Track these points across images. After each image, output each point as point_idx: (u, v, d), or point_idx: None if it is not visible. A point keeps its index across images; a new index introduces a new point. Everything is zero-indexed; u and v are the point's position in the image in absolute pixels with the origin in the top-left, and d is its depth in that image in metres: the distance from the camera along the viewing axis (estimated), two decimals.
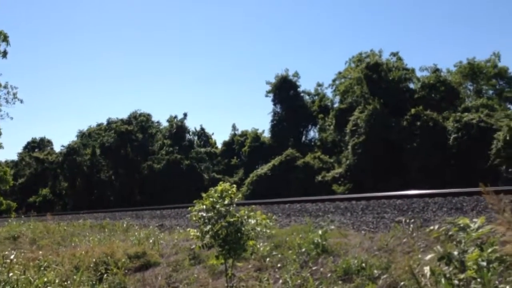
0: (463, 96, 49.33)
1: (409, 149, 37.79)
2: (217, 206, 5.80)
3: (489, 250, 3.29)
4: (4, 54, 25.59)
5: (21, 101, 34.23)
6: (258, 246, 7.22)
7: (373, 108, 41.25)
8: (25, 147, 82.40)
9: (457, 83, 49.30)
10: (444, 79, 46.74)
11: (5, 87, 32.27)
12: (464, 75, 52.31)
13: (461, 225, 3.53)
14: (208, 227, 5.75)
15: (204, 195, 5.96)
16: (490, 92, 53.54)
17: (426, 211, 10.06)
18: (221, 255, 5.78)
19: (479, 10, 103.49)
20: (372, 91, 43.57)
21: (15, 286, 6.47)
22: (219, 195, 5.90)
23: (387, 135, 39.55)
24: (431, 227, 3.84)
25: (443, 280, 3.43)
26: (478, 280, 3.23)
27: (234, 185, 6.19)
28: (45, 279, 6.61)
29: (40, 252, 10.07)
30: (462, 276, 3.31)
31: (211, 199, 5.88)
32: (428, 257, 3.74)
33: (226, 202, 5.84)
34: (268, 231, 6.02)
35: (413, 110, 39.16)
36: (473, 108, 40.55)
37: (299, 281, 5.93)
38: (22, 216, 24.43)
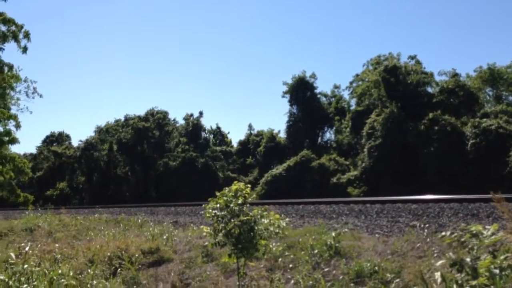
0: (482, 102, 48.75)
1: (425, 153, 37.48)
2: (231, 205, 5.82)
3: (502, 257, 3.27)
4: (25, 50, 25.81)
5: (41, 96, 34.60)
6: (271, 246, 7.24)
7: (390, 112, 40.97)
8: (44, 141, 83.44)
9: (476, 88, 48.73)
10: (463, 84, 46.26)
11: (25, 81, 32.62)
12: (484, 81, 51.65)
13: (474, 231, 3.50)
14: (221, 225, 5.78)
15: (218, 193, 6.00)
16: (510, 98, 52.78)
17: (441, 217, 9.99)
18: (233, 253, 5.80)
19: (500, 16, 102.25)
20: (389, 94, 43.29)
21: (30, 277, 6.56)
22: (233, 194, 5.93)
23: (404, 138, 39.27)
24: (443, 233, 3.81)
25: (455, 287, 3.41)
26: (491, 287, 3.21)
27: (249, 185, 6.21)
28: (60, 272, 6.70)
29: (56, 245, 10.21)
30: (474, 282, 3.29)
31: (225, 198, 5.91)
32: (439, 263, 3.72)
33: (239, 201, 5.86)
34: (280, 231, 6.03)
35: (431, 115, 38.82)
36: (492, 114, 40.01)
37: (310, 282, 5.93)
38: (39, 209, 24.72)
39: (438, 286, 3.73)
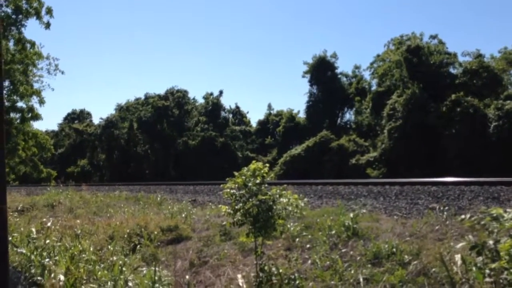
0: (506, 83, 47.77)
1: (447, 135, 36.99)
2: (249, 184, 5.82)
3: None
4: (47, 25, 25.98)
5: (62, 72, 34.74)
6: (289, 226, 7.25)
7: (411, 92, 40.43)
8: (65, 118, 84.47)
9: (500, 69, 47.67)
10: (487, 65, 45.27)
11: (47, 58, 32.76)
12: (509, 62, 50.49)
13: (494, 214, 3.45)
14: (240, 204, 5.79)
15: (236, 173, 5.99)
16: None
17: (461, 199, 9.89)
18: (251, 233, 5.82)
19: None
20: (411, 74, 42.67)
21: (52, 252, 6.68)
22: (251, 173, 5.92)
23: (425, 120, 38.77)
24: (463, 216, 3.77)
25: (474, 269, 3.38)
26: (511, 270, 3.17)
27: (267, 165, 6.19)
28: (80, 247, 6.81)
29: (78, 221, 10.38)
30: (493, 266, 3.25)
31: (243, 177, 5.90)
32: (460, 245, 3.68)
33: (258, 181, 5.85)
34: (298, 211, 6.02)
35: (453, 96, 38.18)
36: None
37: (328, 262, 5.94)
38: (61, 185, 25.11)
39: (458, 268, 3.70)
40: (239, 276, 5.83)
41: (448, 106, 38.13)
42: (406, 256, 5.56)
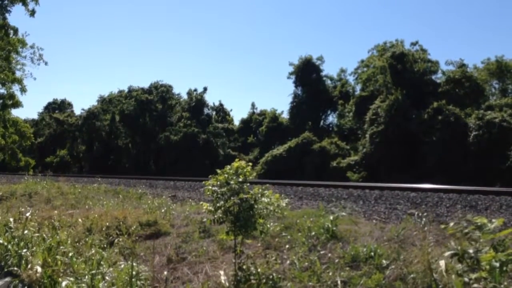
0: (488, 94, 48.47)
1: (427, 142, 37.38)
2: (231, 182, 5.80)
3: (503, 254, 3.25)
4: (32, 13, 25.52)
5: (46, 63, 34.19)
6: (268, 226, 7.24)
7: (394, 98, 40.78)
8: (46, 107, 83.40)
9: (482, 80, 48.35)
10: (470, 75, 45.88)
11: (32, 47, 32.30)
12: (491, 73, 51.28)
13: (478, 223, 3.49)
14: (221, 202, 5.76)
15: (219, 171, 5.97)
16: None
17: (439, 206, 10.01)
18: (231, 231, 5.80)
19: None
20: (395, 81, 43.05)
21: (29, 243, 6.59)
22: (234, 171, 5.90)
23: (407, 126, 39.15)
24: (450, 224, 3.79)
25: (453, 277, 3.41)
26: (488, 280, 3.20)
27: (250, 163, 6.17)
28: (58, 239, 6.73)
29: (55, 212, 10.25)
30: (473, 276, 3.28)
31: (225, 175, 5.88)
32: (448, 253, 3.69)
33: (240, 179, 5.84)
34: (279, 211, 6.02)
35: (435, 104, 38.62)
36: (496, 106, 39.81)
37: (306, 263, 5.95)
38: (39, 175, 24.79)
39: (440, 275, 3.72)
40: (222, 273, 5.82)
41: (429, 114, 38.55)
42: (384, 261, 5.59)
